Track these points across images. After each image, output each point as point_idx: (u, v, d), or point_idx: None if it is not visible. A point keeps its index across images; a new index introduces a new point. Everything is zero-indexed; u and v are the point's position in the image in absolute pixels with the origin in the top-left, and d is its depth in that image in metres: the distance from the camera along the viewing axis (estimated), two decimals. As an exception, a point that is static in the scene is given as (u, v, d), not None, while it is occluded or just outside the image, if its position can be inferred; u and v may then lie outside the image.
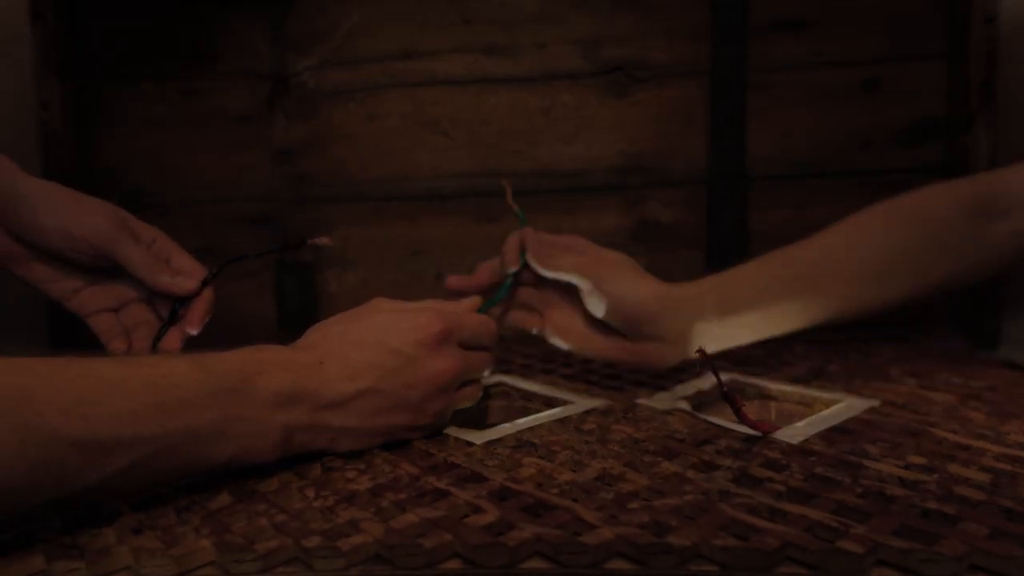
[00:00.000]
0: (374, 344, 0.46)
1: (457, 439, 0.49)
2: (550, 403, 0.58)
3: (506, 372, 0.66)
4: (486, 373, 0.53)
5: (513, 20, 0.79)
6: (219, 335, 0.50)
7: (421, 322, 0.48)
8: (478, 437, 0.49)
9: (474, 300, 0.55)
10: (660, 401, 0.55)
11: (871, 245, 0.57)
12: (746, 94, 0.77)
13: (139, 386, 0.38)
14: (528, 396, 0.61)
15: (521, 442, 0.48)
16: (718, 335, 0.55)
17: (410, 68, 0.81)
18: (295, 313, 0.83)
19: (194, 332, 0.58)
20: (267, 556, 0.34)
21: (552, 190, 0.81)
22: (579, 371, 0.66)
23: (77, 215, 0.56)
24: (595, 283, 0.54)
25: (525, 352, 0.74)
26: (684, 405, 0.54)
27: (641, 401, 0.56)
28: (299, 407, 0.43)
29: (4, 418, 0.32)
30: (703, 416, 0.52)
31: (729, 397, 0.46)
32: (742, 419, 0.46)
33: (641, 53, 0.78)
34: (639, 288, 0.55)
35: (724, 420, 0.50)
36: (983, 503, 0.37)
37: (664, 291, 0.55)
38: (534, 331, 0.60)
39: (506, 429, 0.50)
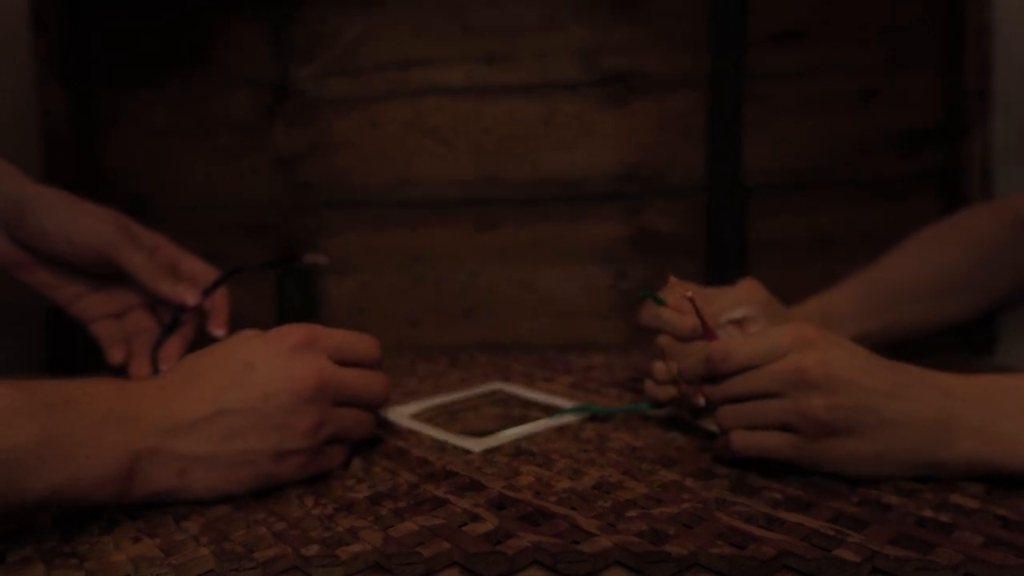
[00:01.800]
0: (222, 361, 0.41)
1: (456, 447, 0.49)
2: (549, 411, 0.58)
3: (505, 379, 0.66)
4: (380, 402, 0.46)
5: (513, 30, 0.80)
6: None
7: (279, 333, 0.43)
8: (476, 445, 0.49)
9: None
10: (658, 409, 0.55)
11: (933, 266, 0.63)
12: (744, 104, 0.77)
13: None
14: (526, 403, 0.61)
15: (519, 450, 0.48)
16: None
17: (411, 77, 0.81)
18: (295, 318, 0.83)
19: (221, 333, 0.59)
20: (266, 564, 0.35)
21: (552, 199, 0.81)
22: (579, 379, 0.66)
23: (79, 220, 0.56)
24: (759, 309, 0.56)
25: (524, 359, 0.74)
26: (682, 413, 0.54)
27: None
28: (139, 427, 0.37)
29: None
30: (701, 424, 0.52)
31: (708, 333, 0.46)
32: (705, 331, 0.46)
33: (640, 63, 0.79)
34: (789, 313, 0.59)
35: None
36: (978, 511, 0.38)
37: (797, 313, 0.60)
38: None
39: (504, 437, 0.50)
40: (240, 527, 0.38)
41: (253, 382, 0.40)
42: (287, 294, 0.84)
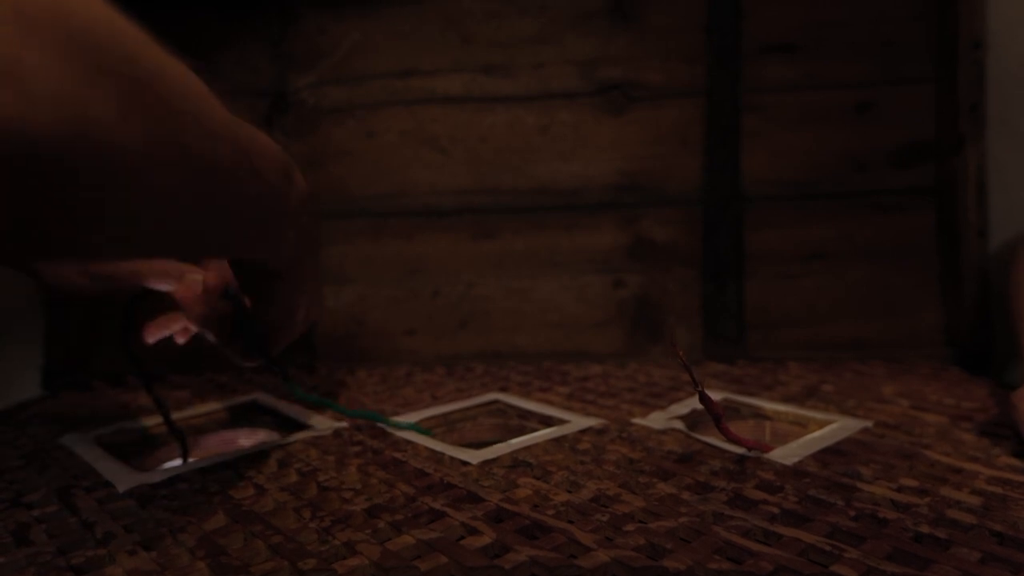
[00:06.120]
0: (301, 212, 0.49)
1: (453, 458, 0.49)
2: (546, 422, 0.58)
3: (502, 390, 0.66)
4: None
5: (511, 40, 0.80)
6: (214, 348, 0.50)
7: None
8: (474, 456, 0.49)
9: None
10: (655, 421, 0.56)
11: None
12: (741, 115, 0.78)
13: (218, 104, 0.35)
14: (524, 414, 0.61)
15: (517, 461, 0.48)
16: None
17: (409, 86, 0.82)
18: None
19: (151, 341, 0.59)
20: (263, 578, 0.34)
21: (550, 207, 0.81)
22: (575, 390, 0.66)
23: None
24: None
25: (521, 370, 0.75)
26: (679, 425, 0.55)
27: (636, 421, 0.56)
28: (286, 217, 0.45)
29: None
30: (698, 436, 0.52)
31: (704, 399, 0.45)
32: (720, 427, 0.46)
33: (637, 74, 0.79)
34: None
35: (718, 440, 0.50)
36: (975, 527, 0.38)
37: None
38: None
39: (502, 448, 0.50)
40: (237, 540, 0.38)
41: (314, 245, 0.50)
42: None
